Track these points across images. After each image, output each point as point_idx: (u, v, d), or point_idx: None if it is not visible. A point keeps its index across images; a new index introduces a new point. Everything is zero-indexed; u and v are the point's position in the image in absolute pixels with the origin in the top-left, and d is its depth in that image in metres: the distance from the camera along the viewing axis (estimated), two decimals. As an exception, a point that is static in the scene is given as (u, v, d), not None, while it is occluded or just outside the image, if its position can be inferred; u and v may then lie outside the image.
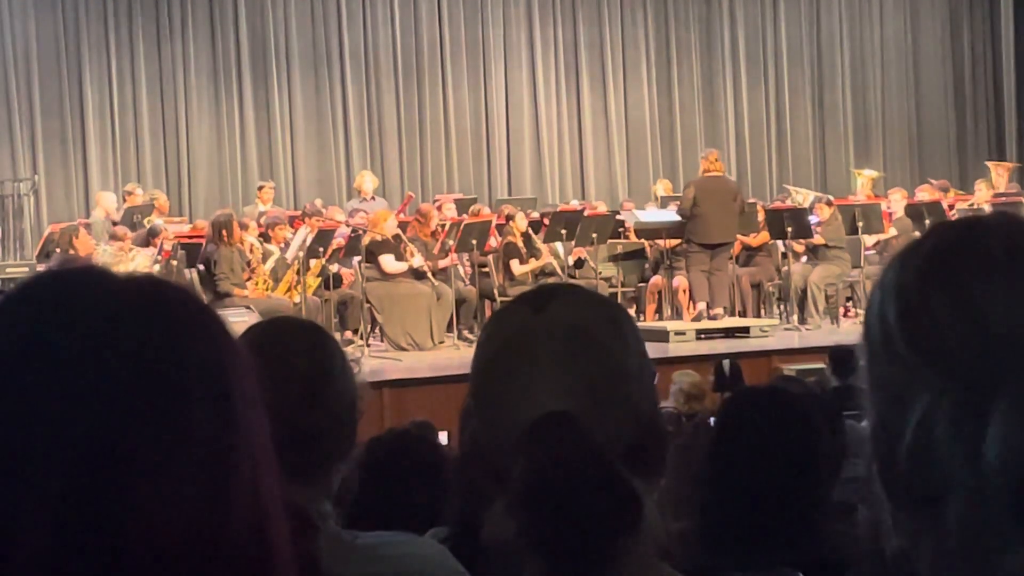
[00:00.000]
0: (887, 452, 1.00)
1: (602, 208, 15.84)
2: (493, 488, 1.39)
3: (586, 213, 14.42)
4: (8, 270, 13.58)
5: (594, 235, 13.59)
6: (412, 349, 12.49)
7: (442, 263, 13.09)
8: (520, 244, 13.44)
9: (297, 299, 12.37)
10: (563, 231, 13.56)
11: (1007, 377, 0.93)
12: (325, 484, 1.94)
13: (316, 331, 2.10)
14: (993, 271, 1.00)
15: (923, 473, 0.96)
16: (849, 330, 13.51)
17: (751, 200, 16.28)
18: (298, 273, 12.49)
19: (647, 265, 14.47)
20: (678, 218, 13.43)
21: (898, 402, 1.00)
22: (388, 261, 12.77)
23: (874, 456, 1.03)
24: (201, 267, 12.37)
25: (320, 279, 12.82)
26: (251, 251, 12.67)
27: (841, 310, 14.30)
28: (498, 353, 1.42)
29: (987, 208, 14.46)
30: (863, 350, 1.06)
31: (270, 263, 12.72)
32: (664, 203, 15.72)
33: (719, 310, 13.08)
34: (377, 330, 12.97)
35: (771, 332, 12.91)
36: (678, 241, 13.59)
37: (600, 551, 1.35)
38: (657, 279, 14.06)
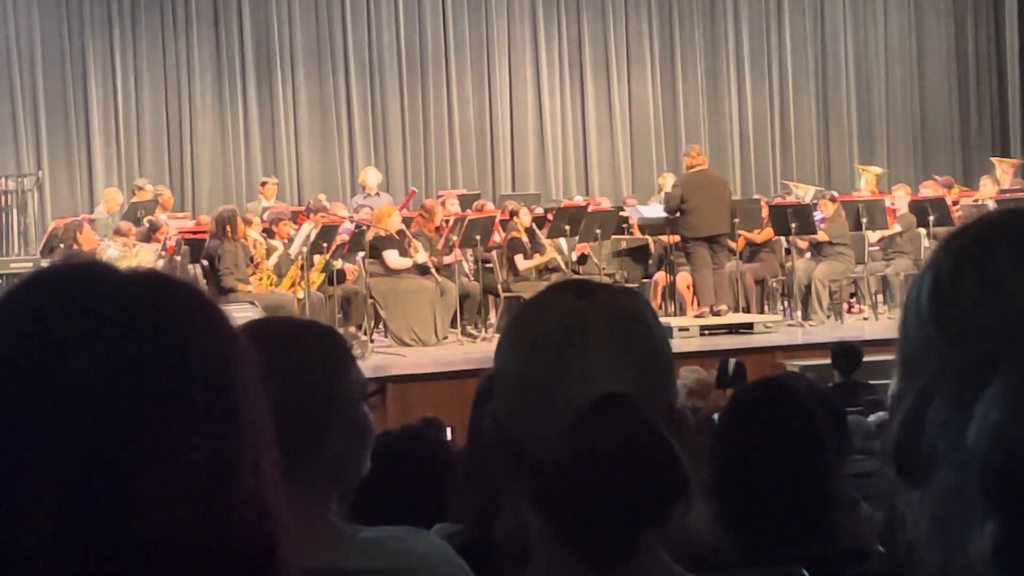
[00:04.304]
0: (892, 423, 1.00)
1: (606, 204, 15.84)
2: (513, 480, 1.38)
3: (590, 209, 14.42)
4: (12, 265, 13.59)
5: (598, 231, 13.59)
6: (416, 345, 12.49)
7: (446, 259, 13.09)
8: (524, 240, 13.43)
9: (301, 295, 12.38)
10: (567, 227, 13.56)
11: (1012, 355, 0.93)
12: (314, 481, 1.92)
13: (286, 328, 2.08)
14: None
15: (915, 444, 0.96)
16: (853, 327, 13.52)
17: (755, 196, 16.29)
18: (302, 269, 12.49)
19: (651, 261, 14.47)
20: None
21: (914, 375, 1.01)
22: (392, 257, 12.77)
23: (890, 429, 1.03)
24: (205, 263, 12.36)
25: (324, 275, 12.82)
26: (255, 247, 12.67)
27: (845, 306, 14.30)
28: (547, 337, 1.40)
29: (992, 205, 14.44)
30: (899, 329, 1.07)
31: (274, 259, 12.72)
32: (667, 196, 15.71)
33: (723, 306, 13.08)
34: (381, 326, 12.98)
35: (775, 328, 12.92)
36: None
37: (638, 537, 1.34)
38: (661, 275, 14.07)
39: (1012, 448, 0.88)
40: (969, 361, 0.95)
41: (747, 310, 13.63)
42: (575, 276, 12.92)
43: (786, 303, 14.36)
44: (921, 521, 0.97)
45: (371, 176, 16.02)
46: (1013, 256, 1.02)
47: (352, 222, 13.57)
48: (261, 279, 12.53)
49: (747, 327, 12.89)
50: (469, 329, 13.07)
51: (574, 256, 13.94)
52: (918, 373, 1.00)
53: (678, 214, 13.12)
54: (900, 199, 14.80)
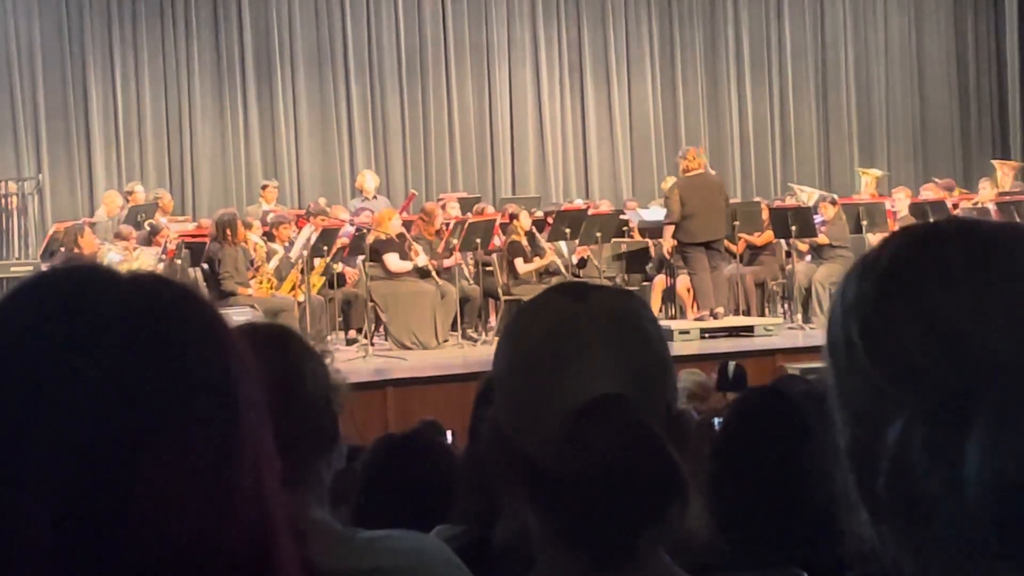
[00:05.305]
0: (864, 471, 0.98)
1: (606, 207, 15.83)
2: (512, 482, 1.38)
3: (590, 212, 14.42)
4: (12, 269, 13.58)
5: (598, 234, 13.58)
6: (416, 348, 12.49)
7: (446, 262, 13.10)
8: (524, 243, 13.43)
9: (301, 298, 12.38)
10: (567, 230, 13.55)
11: (981, 392, 0.91)
12: (310, 485, 1.94)
13: (276, 335, 2.09)
14: (954, 282, 0.97)
15: (904, 495, 0.94)
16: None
17: (756, 199, 16.27)
18: (302, 272, 12.50)
19: (651, 264, 14.47)
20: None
21: (869, 421, 0.98)
22: (392, 260, 12.77)
23: (851, 472, 1.01)
24: (205, 266, 12.37)
25: (324, 278, 12.83)
26: (255, 250, 12.68)
27: (845, 309, 14.28)
28: (542, 340, 1.40)
29: (991, 207, 14.45)
30: (828, 367, 1.03)
31: (274, 262, 12.72)
32: (666, 200, 15.70)
33: (720, 308, 13.07)
34: (381, 329, 12.98)
35: (775, 331, 12.91)
36: (682, 240, 13.58)
37: (636, 537, 1.34)
38: (661, 278, 14.06)
39: (1016, 485, 0.87)
40: (935, 403, 0.93)
41: (747, 313, 13.62)
42: (574, 279, 12.92)
43: (786, 306, 14.36)
44: (916, 564, 0.95)
45: (368, 180, 16.02)
46: (940, 284, 0.97)
47: (352, 225, 13.58)
48: (261, 282, 12.53)
49: (748, 330, 12.89)
50: (469, 332, 13.07)
51: (574, 259, 13.93)
52: (874, 422, 0.98)
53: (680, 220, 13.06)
54: (900, 201, 14.80)
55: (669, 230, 13.16)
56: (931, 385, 0.95)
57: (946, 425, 0.92)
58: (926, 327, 0.97)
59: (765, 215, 14.09)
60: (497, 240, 13.68)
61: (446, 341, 12.76)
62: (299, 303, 12.32)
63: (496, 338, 12.68)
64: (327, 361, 2.07)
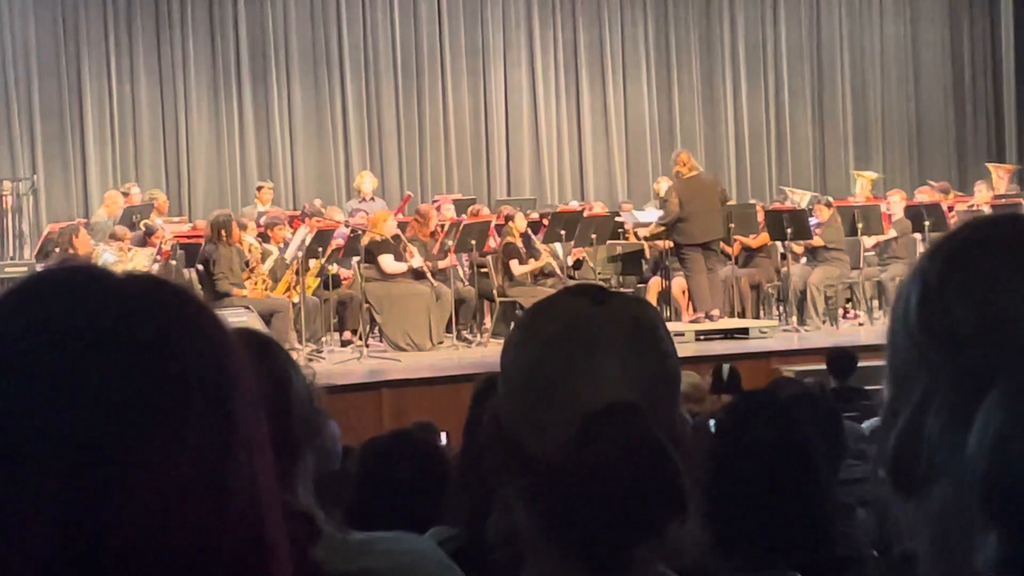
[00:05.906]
0: (887, 435, 1.00)
1: (601, 209, 15.84)
2: (508, 478, 1.38)
3: (585, 214, 14.43)
4: (7, 270, 13.57)
5: (593, 236, 13.59)
6: (411, 349, 12.49)
7: (441, 263, 13.09)
8: (519, 245, 13.43)
9: (296, 299, 12.38)
10: (562, 232, 13.56)
11: (1008, 368, 0.93)
12: (300, 484, 1.95)
13: (256, 337, 2.09)
14: (1017, 268, 1.01)
15: (913, 456, 0.96)
16: (848, 332, 13.52)
17: (751, 201, 16.28)
18: (297, 273, 12.49)
19: (646, 266, 14.47)
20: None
21: (904, 382, 1.00)
22: (387, 261, 12.77)
23: (879, 439, 1.03)
24: (200, 267, 12.37)
25: (319, 279, 12.82)
26: (250, 251, 12.68)
27: (840, 312, 14.30)
28: (558, 340, 1.40)
29: (987, 210, 14.46)
30: (887, 333, 1.07)
31: (269, 263, 12.72)
32: (663, 202, 15.71)
33: (716, 311, 13.08)
34: (376, 330, 12.98)
35: (770, 333, 12.92)
36: (677, 242, 13.59)
37: (633, 549, 1.34)
38: (656, 280, 14.06)
39: (1013, 457, 0.87)
40: (964, 371, 0.95)
41: (743, 315, 13.63)
42: (576, 281, 12.92)
43: (782, 308, 14.36)
44: (920, 532, 0.96)
45: (367, 181, 16.04)
46: (1002, 263, 1.01)
47: (347, 226, 13.58)
48: (256, 283, 12.52)
49: (743, 332, 12.89)
50: (464, 334, 13.07)
51: (570, 261, 13.94)
52: (910, 384, 1.00)
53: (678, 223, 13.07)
54: (896, 204, 14.80)
55: (657, 227, 13.26)
56: (965, 354, 0.97)
57: (967, 391, 0.93)
58: (977, 299, 1.00)
59: (760, 217, 14.10)
60: (492, 242, 13.69)
61: (441, 343, 12.76)
62: (294, 304, 12.32)
63: (492, 340, 12.71)
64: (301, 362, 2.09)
